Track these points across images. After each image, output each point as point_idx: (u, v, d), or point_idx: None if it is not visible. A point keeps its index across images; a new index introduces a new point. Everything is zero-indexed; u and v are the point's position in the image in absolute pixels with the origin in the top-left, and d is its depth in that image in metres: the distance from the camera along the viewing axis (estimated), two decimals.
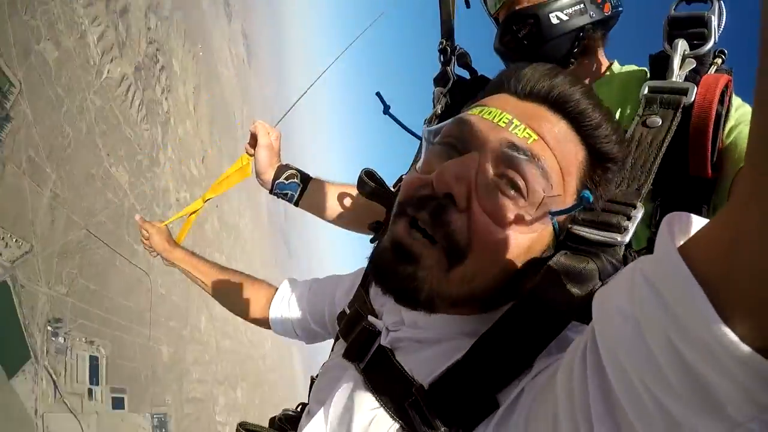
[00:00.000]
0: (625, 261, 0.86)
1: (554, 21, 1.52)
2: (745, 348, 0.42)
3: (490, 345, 0.85)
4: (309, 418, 1.10)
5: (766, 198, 0.40)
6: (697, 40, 1.25)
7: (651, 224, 1.26)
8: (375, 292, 1.23)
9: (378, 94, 1.44)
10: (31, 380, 24.08)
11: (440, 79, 1.84)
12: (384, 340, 1.03)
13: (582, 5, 1.54)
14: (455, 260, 0.85)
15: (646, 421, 0.53)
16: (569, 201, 0.88)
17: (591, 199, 0.81)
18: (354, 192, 1.56)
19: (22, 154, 25.66)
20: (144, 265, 38.37)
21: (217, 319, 58.65)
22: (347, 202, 1.94)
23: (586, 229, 0.89)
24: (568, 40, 1.56)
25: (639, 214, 0.90)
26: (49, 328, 26.34)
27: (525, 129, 0.86)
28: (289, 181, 1.96)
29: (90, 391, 29.29)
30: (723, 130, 1.21)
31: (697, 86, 1.14)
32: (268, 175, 1.97)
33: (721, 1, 1.27)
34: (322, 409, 1.05)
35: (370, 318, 1.12)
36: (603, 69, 1.66)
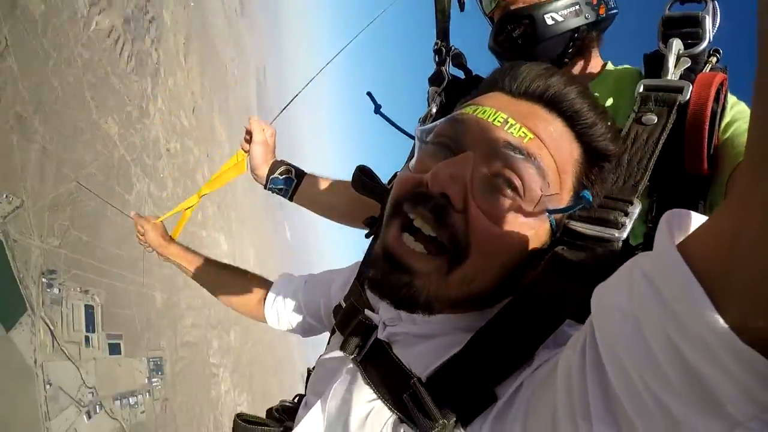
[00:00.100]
0: (622, 256, 0.85)
1: (549, 22, 1.52)
2: (745, 346, 0.42)
3: (487, 339, 0.86)
4: (306, 409, 1.10)
5: (765, 195, 0.39)
6: (691, 39, 1.26)
7: (647, 220, 1.26)
8: None
9: (369, 93, 1.44)
10: (29, 332, 24.66)
11: (435, 79, 1.84)
12: (381, 334, 1.03)
13: (577, 6, 1.54)
14: (455, 262, 0.85)
15: (646, 418, 0.53)
16: (566, 199, 0.89)
17: (590, 200, 0.83)
18: (348, 188, 1.53)
19: (9, 110, 25.42)
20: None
21: None
22: (341, 197, 1.95)
23: (583, 225, 0.91)
24: (563, 41, 1.56)
25: (636, 210, 0.91)
26: (43, 280, 26.79)
27: (520, 128, 0.86)
28: (284, 176, 2.00)
29: (87, 339, 29.99)
30: (718, 127, 1.21)
31: (692, 84, 1.15)
32: (263, 171, 2.01)
33: (715, 1, 1.28)
34: (320, 401, 1.05)
35: (367, 312, 1.12)
36: (597, 69, 1.65)
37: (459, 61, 1.86)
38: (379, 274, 0.88)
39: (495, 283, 0.89)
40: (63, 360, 27.23)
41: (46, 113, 28.32)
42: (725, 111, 1.24)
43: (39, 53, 28.81)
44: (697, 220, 0.56)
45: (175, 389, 41.62)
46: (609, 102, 1.46)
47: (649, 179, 1.06)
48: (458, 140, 0.90)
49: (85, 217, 31.70)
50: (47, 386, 24.89)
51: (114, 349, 33.42)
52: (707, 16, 1.26)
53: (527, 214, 0.85)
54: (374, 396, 0.94)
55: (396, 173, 1.23)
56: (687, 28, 1.27)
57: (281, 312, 1.71)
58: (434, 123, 0.97)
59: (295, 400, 1.43)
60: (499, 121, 0.87)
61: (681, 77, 1.21)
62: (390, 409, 0.90)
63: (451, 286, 0.86)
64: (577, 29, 1.54)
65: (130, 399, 34.09)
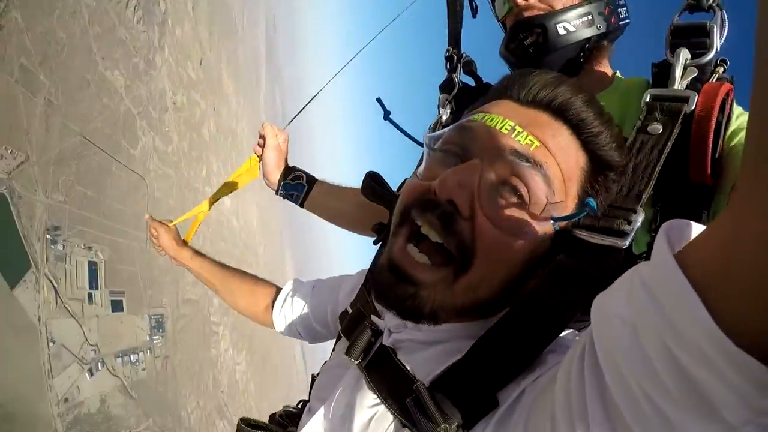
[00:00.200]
0: (625, 265, 0.83)
1: (561, 32, 1.50)
2: (740, 353, 0.43)
3: (489, 345, 0.86)
4: (310, 415, 1.11)
5: (760, 206, 0.40)
6: (699, 49, 1.25)
7: (651, 229, 1.28)
8: None
9: (378, 99, 1.49)
10: (33, 289, 24.47)
11: (446, 86, 1.86)
12: (386, 340, 1.04)
13: (590, 17, 1.53)
14: (461, 270, 0.86)
15: (643, 423, 0.54)
16: (571, 206, 0.89)
17: (595, 208, 0.84)
18: (358, 195, 1.54)
19: (14, 62, 24.37)
20: (140, 170, 38.16)
21: (212, 222, 59.51)
22: (351, 204, 1.97)
23: (587, 233, 0.90)
24: (573, 51, 1.54)
25: (639, 218, 0.91)
26: (47, 236, 26.41)
27: (527, 136, 0.86)
28: (295, 182, 2.04)
29: (90, 296, 29.97)
30: (723, 137, 1.22)
31: (699, 94, 1.14)
32: (275, 177, 2.06)
33: (724, 11, 1.27)
34: (324, 406, 1.06)
35: (373, 317, 1.13)
36: (607, 79, 1.64)
37: (470, 68, 1.89)
38: (385, 285, 0.90)
39: (500, 291, 0.90)
40: (66, 317, 27.17)
41: (51, 66, 27.29)
42: (730, 121, 1.24)
43: (44, 4, 27.63)
44: (696, 229, 0.58)
45: (175, 347, 41.82)
46: (618, 112, 1.41)
47: (654, 188, 1.04)
48: (466, 147, 0.91)
49: (90, 172, 31.18)
50: (50, 344, 24.88)
51: (116, 306, 33.39)
52: (715, 26, 1.25)
53: (533, 222, 0.86)
54: (377, 401, 0.95)
55: (405, 180, 1.23)
56: (695, 37, 1.27)
57: (288, 318, 1.73)
58: (443, 130, 0.98)
59: (299, 406, 1.45)
60: (506, 128, 0.88)
61: (688, 87, 1.21)
62: (393, 413, 0.91)
63: (456, 294, 0.88)
64: (588, 39, 1.53)
65: (132, 356, 34.28)
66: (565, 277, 0.86)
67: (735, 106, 1.27)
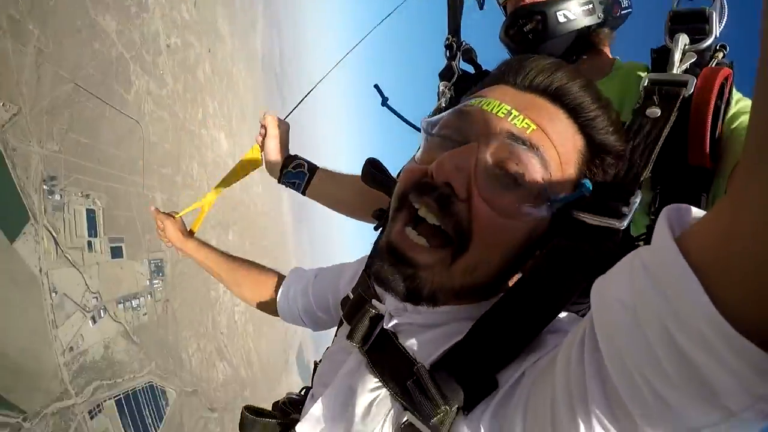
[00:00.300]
0: (623, 247, 0.86)
1: (561, 19, 1.52)
2: (740, 338, 0.43)
3: (488, 326, 0.87)
4: (313, 401, 1.12)
5: (759, 190, 0.40)
6: (698, 35, 1.27)
7: (650, 212, 1.30)
8: None
9: (376, 86, 1.50)
10: (33, 241, 24.64)
11: (445, 74, 1.88)
12: (387, 324, 1.05)
13: (591, 5, 1.54)
14: (459, 251, 0.87)
15: (643, 407, 0.54)
16: (568, 189, 0.90)
17: (590, 189, 0.86)
18: (359, 181, 1.57)
19: (1, 13, 23.52)
20: (135, 114, 37.64)
21: (209, 165, 58.94)
22: (352, 191, 1.98)
23: (585, 215, 0.91)
24: (573, 38, 1.56)
25: (637, 199, 0.92)
26: (44, 187, 26.34)
27: (524, 119, 0.88)
28: (297, 170, 2.06)
29: (89, 244, 30.13)
30: (722, 121, 1.23)
31: (697, 79, 1.15)
32: (277, 165, 2.08)
33: None
34: (326, 390, 1.08)
35: (374, 302, 1.14)
36: (608, 66, 1.66)
37: (469, 56, 1.91)
38: (384, 267, 0.91)
39: (497, 272, 0.91)
40: (67, 267, 27.49)
41: (40, 14, 26.33)
42: (730, 105, 1.25)
43: None
44: (696, 214, 0.58)
45: (175, 291, 42.57)
46: (617, 97, 1.43)
47: (653, 172, 1.06)
48: (463, 131, 0.91)
49: (84, 119, 30.67)
50: (53, 294, 25.27)
51: (116, 252, 33.71)
52: (714, 12, 1.26)
53: (529, 204, 0.86)
54: (379, 384, 0.96)
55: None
56: (694, 23, 1.27)
57: (292, 306, 1.76)
58: (440, 115, 0.98)
59: (302, 393, 1.46)
60: (503, 112, 0.88)
61: (686, 72, 1.21)
62: (394, 397, 0.91)
63: (454, 275, 0.88)
64: (588, 28, 1.55)
65: (133, 302, 34.93)
66: (563, 258, 0.86)
67: (735, 91, 1.28)
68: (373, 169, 1.38)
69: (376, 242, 1.17)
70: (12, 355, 21.37)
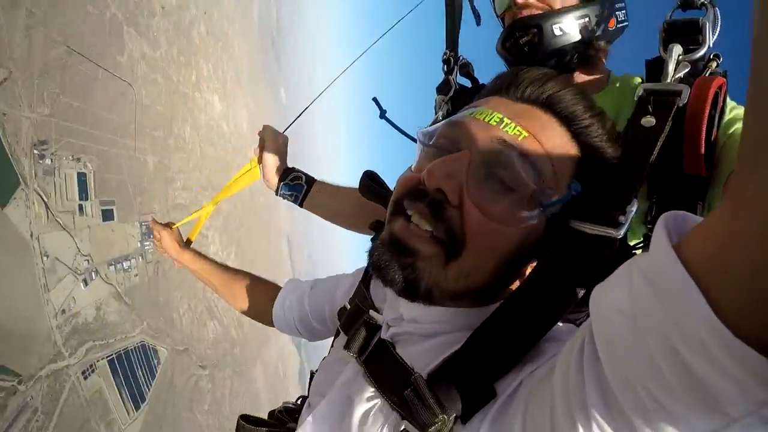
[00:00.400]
0: (620, 256, 0.87)
1: (557, 33, 1.53)
2: (741, 344, 0.42)
3: (486, 335, 0.87)
4: (309, 410, 1.12)
5: (755, 197, 0.40)
6: (692, 45, 1.28)
7: (647, 221, 1.30)
8: (375, 287, 1.27)
9: (374, 99, 1.53)
10: (23, 206, 24.57)
11: (443, 88, 1.90)
12: (384, 334, 1.05)
13: (587, 19, 1.56)
14: (452, 256, 0.88)
15: (643, 416, 0.54)
16: (560, 195, 0.90)
17: (579, 190, 0.87)
18: (356, 193, 1.58)
19: None
20: (128, 77, 37.06)
21: (201, 128, 58.25)
22: (350, 203, 1.99)
23: (582, 224, 0.91)
24: (569, 52, 1.58)
25: (633, 208, 0.92)
26: (35, 151, 26.14)
27: (515, 127, 0.88)
28: (295, 183, 2.07)
29: (80, 207, 30.01)
30: (717, 129, 1.23)
31: (691, 88, 1.16)
32: (274, 178, 2.09)
33: (716, 8, 1.31)
34: (323, 401, 1.07)
35: (371, 312, 1.14)
36: (603, 80, 1.67)
37: (466, 70, 1.92)
38: (384, 258, 0.92)
39: (492, 278, 0.92)
40: (58, 230, 27.48)
41: None
42: (724, 114, 1.26)
43: None
44: (693, 221, 0.57)
45: None
46: (613, 109, 1.47)
47: (649, 181, 1.14)
48: (455, 140, 0.93)
49: (76, 82, 30.10)
50: (44, 258, 25.35)
51: (107, 215, 33.54)
52: (707, 22, 1.29)
53: (522, 210, 0.87)
54: (376, 394, 0.96)
55: None
56: (688, 34, 1.30)
57: (288, 316, 1.78)
58: (435, 126, 0.99)
59: (298, 402, 1.47)
60: (495, 120, 0.90)
61: (681, 81, 1.23)
62: (391, 406, 0.91)
63: (449, 278, 0.90)
64: (583, 41, 1.57)
65: (124, 263, 34.94)
66: (560, 268, 0.85)
67: (729, 99, 1.29)
68: (371, 181, 1.42)
69: (371, 248, 1.19)
70: (4, 320, 21.50)
